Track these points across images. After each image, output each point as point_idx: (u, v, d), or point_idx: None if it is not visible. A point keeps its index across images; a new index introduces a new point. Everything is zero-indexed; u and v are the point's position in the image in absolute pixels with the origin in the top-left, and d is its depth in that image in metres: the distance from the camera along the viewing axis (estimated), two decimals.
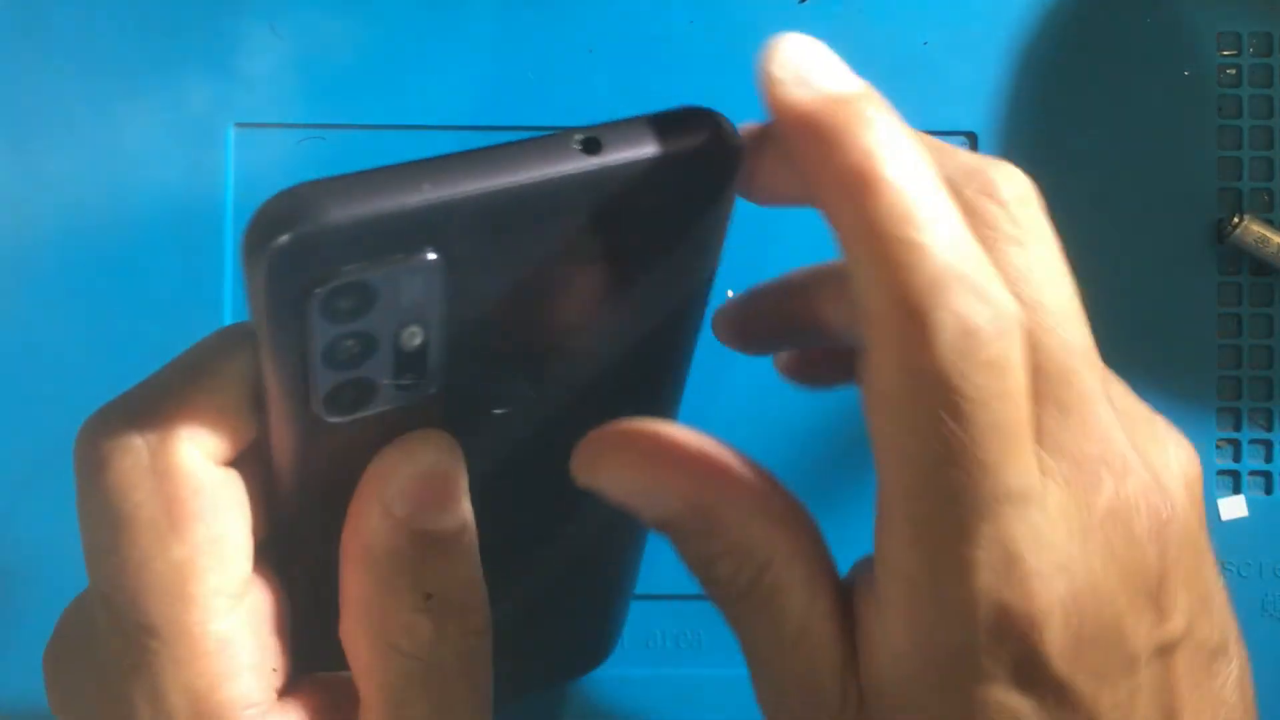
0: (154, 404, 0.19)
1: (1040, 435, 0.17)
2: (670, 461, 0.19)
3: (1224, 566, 0.35)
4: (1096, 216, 0.36)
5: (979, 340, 0.16)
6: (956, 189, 0.18)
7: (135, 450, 0.19)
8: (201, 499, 0.19)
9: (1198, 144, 0.36)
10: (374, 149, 0.35)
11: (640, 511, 0.19)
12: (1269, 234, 0.35)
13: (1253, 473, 0.36)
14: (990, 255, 0.17)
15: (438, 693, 0.20)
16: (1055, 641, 0.16)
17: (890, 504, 0.17)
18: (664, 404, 0.23)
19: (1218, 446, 0.36)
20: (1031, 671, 0.16)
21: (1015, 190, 0.19)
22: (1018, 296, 0.17)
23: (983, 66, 0.36)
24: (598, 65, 0.36)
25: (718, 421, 0.33)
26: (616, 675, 0.34)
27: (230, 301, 0.35)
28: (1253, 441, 0.36)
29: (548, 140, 0.17)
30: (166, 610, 0.19)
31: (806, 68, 0.18)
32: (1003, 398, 0.16)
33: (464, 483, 0.20)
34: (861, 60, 0.36)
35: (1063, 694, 0.17)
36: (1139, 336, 0.36)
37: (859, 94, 0.18)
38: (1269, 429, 0.36)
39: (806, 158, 0.17)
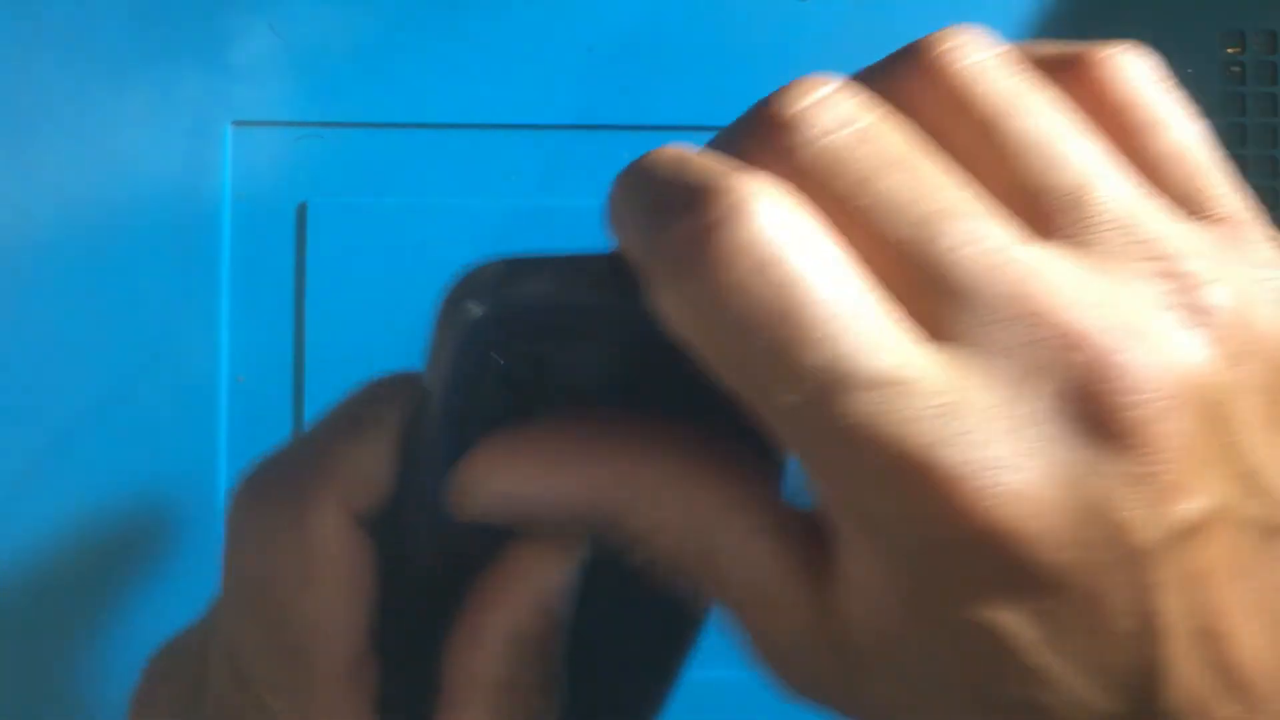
0: (306, 463, 0.20)
1: (949, 331, 0.15)
2: (558, 466, 0.18)
3: None
4: None
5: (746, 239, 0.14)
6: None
7: (283, 509, 0.19)
8: (339, 564, 0.19)
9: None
10: (373, 147, 0.35)
11: (559, 519, 0.18)
12: (1273, 233, 0.35)
13: None
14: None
15: None
16: (1029, 547, 0.14)
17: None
18: None
19: None
20: (1011, 584, 0.14)
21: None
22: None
23: None
24: (598, 65, 0.36)
25: None
26: None
27: (227, 300, 0.35)
28: None
29: None
30: (294, 674, 0.19)
31: (620, 219, 0.16)
32: (792, 294, 0.14)
33: None
34: (862, 59, 0.36)
35: (1058, 602, 0.14)
36: None
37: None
38: None
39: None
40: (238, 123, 0.35)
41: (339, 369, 0.35)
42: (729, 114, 0.38)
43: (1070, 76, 0.17)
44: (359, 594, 0.20)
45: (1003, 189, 0.16)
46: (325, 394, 0.35)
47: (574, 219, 0.35)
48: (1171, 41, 0.36)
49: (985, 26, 0.37)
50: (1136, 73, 0.17)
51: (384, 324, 0.35)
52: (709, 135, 0.38)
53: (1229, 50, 0.36)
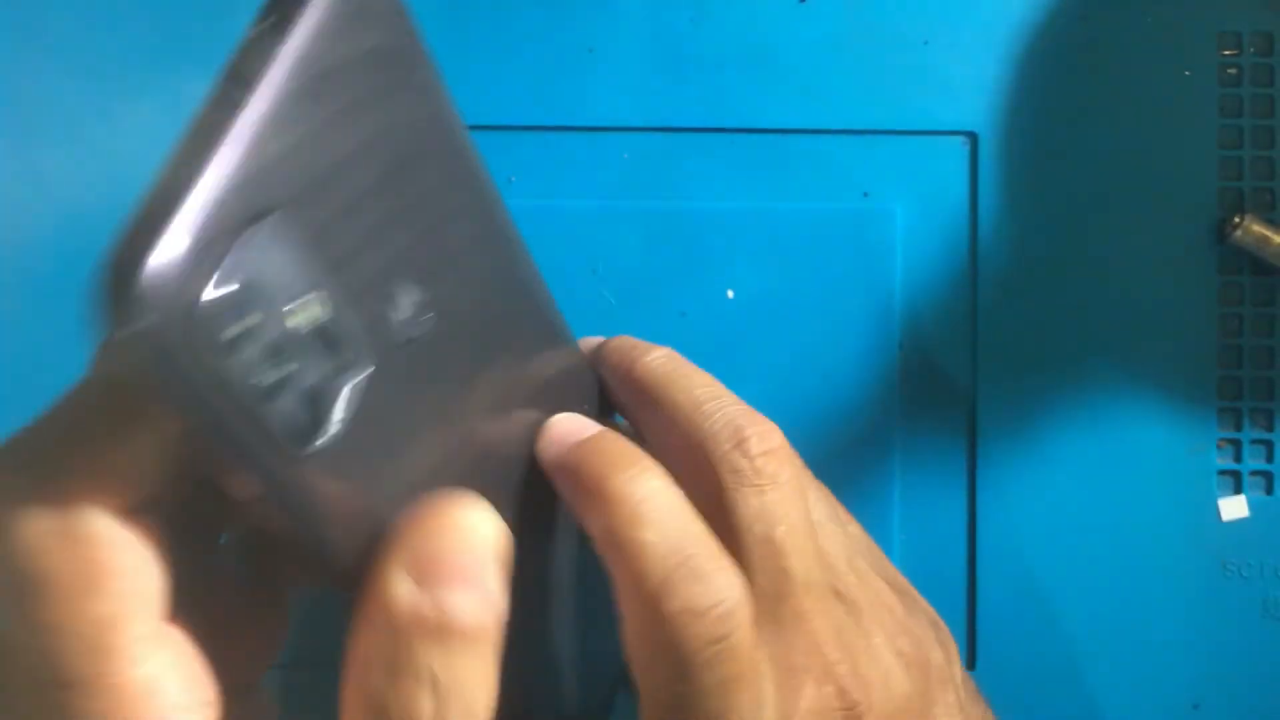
0: (56, 458, 0.18)
1: (759, 646, 0.22)
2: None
3: (1225, 567, 0.35)
4: (1097, 216, 0.36)
5: (704, 620, 0.20)
6: (716, 442, 0.23)
7: (40, 515, 0.18)
8: (116, 559, 0.18)
9: (1199, 143, 0.36)
10: None
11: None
12: (1270, 234, 0.35)
13: (1253, 473, 0.36)
14: (734, 498, 0.23)
15: None
16: None
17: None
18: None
19: (1218, 446, 0.36)
20: None
21: (765, 446, 0.23)
22: (750, 532, 0.23)
23: (983, 66, 0.36)
24: (598, 65, 0.36)
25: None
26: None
27: None
28: (1254, 441, 0.36)
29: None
30: (86, 665, 0.18)
31: (558, 433, 0.24)
32: (726, 659, 0.21)
33: (500, 562, 0.19)
34: (861, 59, 0.36)
35: None
36: (1140, 336, 0.36)
37: (589, 436, 0.23)
38: (1270, 429, 0.36)
39: (564, 489, 0.23)
40: None
41: None
42: (729, 114, 0.38)
43: None
44: (142, 583, 0.18)
45: None
46: None
47: (574, 219, 0.35)
48: (1169, 43, 0.36)
49: (985, 27, 0.37)
50: None
51: None
52: (708, 136, 0.38)
53: (1226, 52, 0.36)
